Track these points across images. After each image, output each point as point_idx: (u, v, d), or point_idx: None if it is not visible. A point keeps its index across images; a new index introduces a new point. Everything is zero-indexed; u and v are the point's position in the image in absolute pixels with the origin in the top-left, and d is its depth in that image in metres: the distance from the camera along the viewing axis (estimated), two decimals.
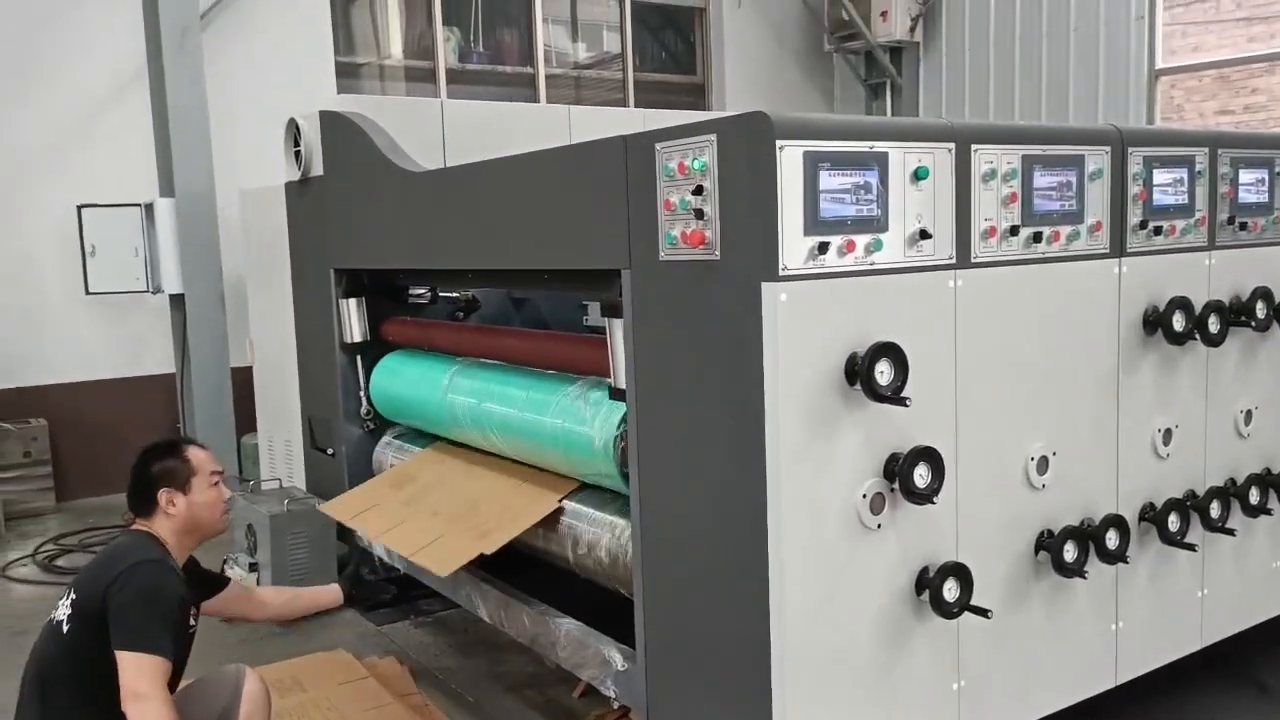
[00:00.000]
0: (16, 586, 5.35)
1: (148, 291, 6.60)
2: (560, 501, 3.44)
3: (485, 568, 3.84)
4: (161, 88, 6.28)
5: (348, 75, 8.04)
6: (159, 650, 2.54)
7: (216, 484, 2.92)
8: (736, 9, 9.46)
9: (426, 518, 3.80)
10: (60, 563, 5.63)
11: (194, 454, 2.91)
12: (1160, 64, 7.90)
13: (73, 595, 2.69)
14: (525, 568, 4.17)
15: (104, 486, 6.78)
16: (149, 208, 6.49)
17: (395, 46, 8.50)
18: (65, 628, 2.65)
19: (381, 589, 4.64)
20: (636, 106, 9.04)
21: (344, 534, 4.61)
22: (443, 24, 8.38)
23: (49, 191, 6.79)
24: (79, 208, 6.44)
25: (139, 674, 2.51)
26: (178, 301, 6.50)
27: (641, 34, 9.52)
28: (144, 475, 2.86)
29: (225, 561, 4.84)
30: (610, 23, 9.39)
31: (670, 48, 9.90)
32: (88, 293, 6.58)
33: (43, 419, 6.77)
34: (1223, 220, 3.21)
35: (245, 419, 6.39)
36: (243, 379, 6.15)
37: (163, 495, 2.83)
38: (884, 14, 8.97)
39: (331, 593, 3.60)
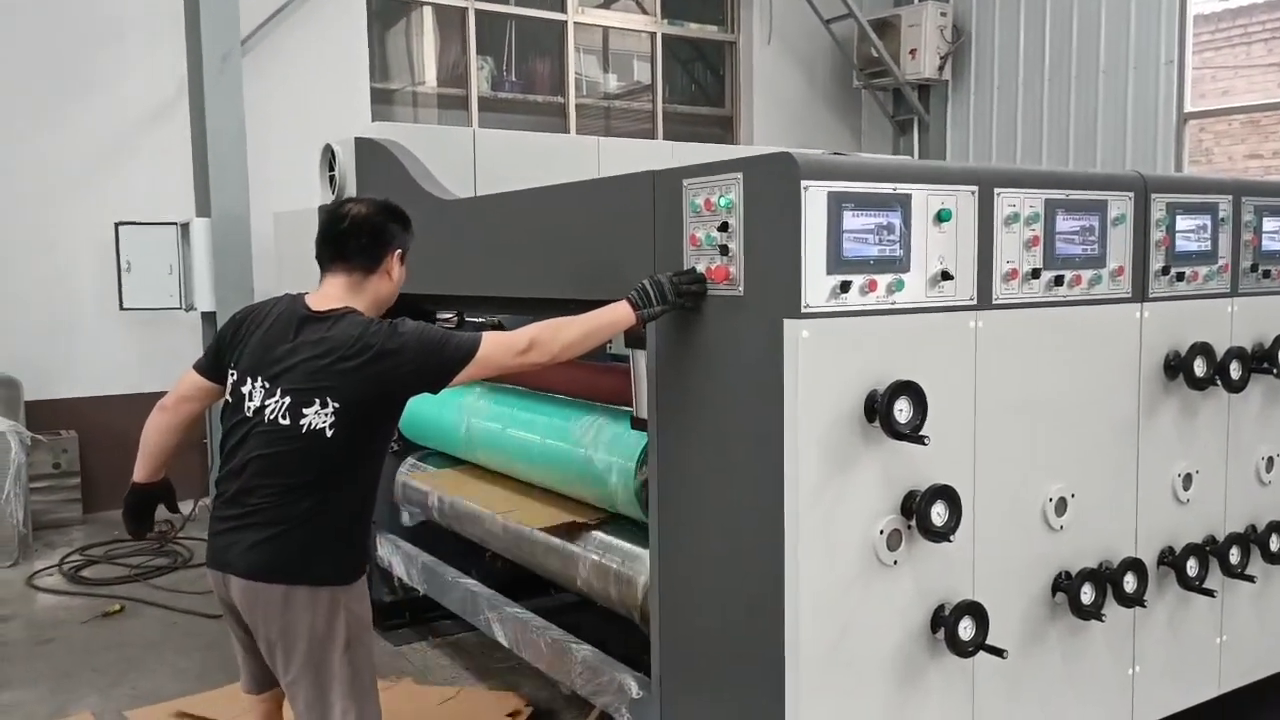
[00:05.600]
0: (42, 596, 5.43)
1: (180, 309, 6.72)
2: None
3: (502, 590, 3.88)
4: (201, 111, 6.41)
5: (382, 101, 8.19)
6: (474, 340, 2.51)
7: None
8: (766, 44, 9.56)
9: (496, 493, 3.97)
10: (86, 573, 5.72)
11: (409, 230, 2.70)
12: (1189, 107, 7.90)
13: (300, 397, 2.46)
14: (540, 592, 4.21)
15: None
16: (185, 227, 6.61)
17: (429, 74, 8.64)
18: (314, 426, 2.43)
19: None
20: (665, 138, 9.14)
21: None
22: (477, 53, 8.53)
23: (87, 208, 6.93)
24: (117, 225, 6.57)
25: (494, 340, 2.51)
26: (209, 319, 6.59)
27: (672, 66, 9.63)
28: (383, 228, 2.62)
29: None
30: (641, 53, 9.52)
31: (700, 80, 10.00)
32: (122, 308, 6.69)
33: (73, 431, 6.87)
34: (1246, 267, 3.22)
35: None
36: None
37: (395, 255, 2.64)
38: (913, 52, 9.04)
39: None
